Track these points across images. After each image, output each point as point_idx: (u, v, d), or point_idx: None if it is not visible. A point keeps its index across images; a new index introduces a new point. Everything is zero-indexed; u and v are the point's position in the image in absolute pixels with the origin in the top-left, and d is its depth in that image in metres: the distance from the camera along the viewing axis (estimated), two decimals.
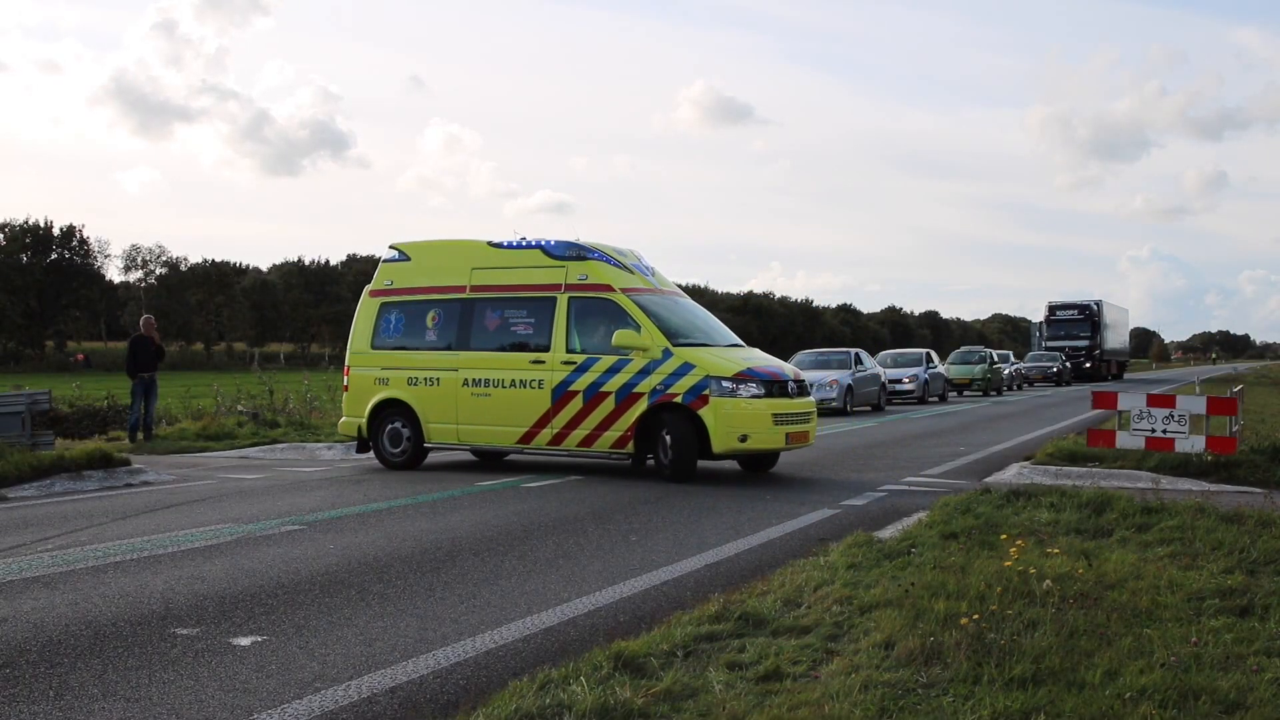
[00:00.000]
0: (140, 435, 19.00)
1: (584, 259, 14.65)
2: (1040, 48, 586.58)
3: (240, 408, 22.74)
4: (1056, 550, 8.06)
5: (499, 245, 15.28)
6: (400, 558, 8.61)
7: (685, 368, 13.61)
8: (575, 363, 14.20)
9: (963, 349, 49.75)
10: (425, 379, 15.10)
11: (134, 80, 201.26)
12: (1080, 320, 60.35)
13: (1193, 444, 13.97)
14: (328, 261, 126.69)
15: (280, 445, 18.26)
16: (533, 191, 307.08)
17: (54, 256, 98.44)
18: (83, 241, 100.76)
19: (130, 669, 5.69)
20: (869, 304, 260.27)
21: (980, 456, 17.14)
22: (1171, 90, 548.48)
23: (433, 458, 16.22)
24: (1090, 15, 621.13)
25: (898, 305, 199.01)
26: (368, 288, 15.92)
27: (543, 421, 14.32)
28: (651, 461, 14.19)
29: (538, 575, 8.04)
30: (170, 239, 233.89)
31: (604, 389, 13.95)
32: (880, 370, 32.67)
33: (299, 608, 7.00)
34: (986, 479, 13.63)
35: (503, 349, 14.84)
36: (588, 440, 14.12)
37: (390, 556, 8.65)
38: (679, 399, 13.51)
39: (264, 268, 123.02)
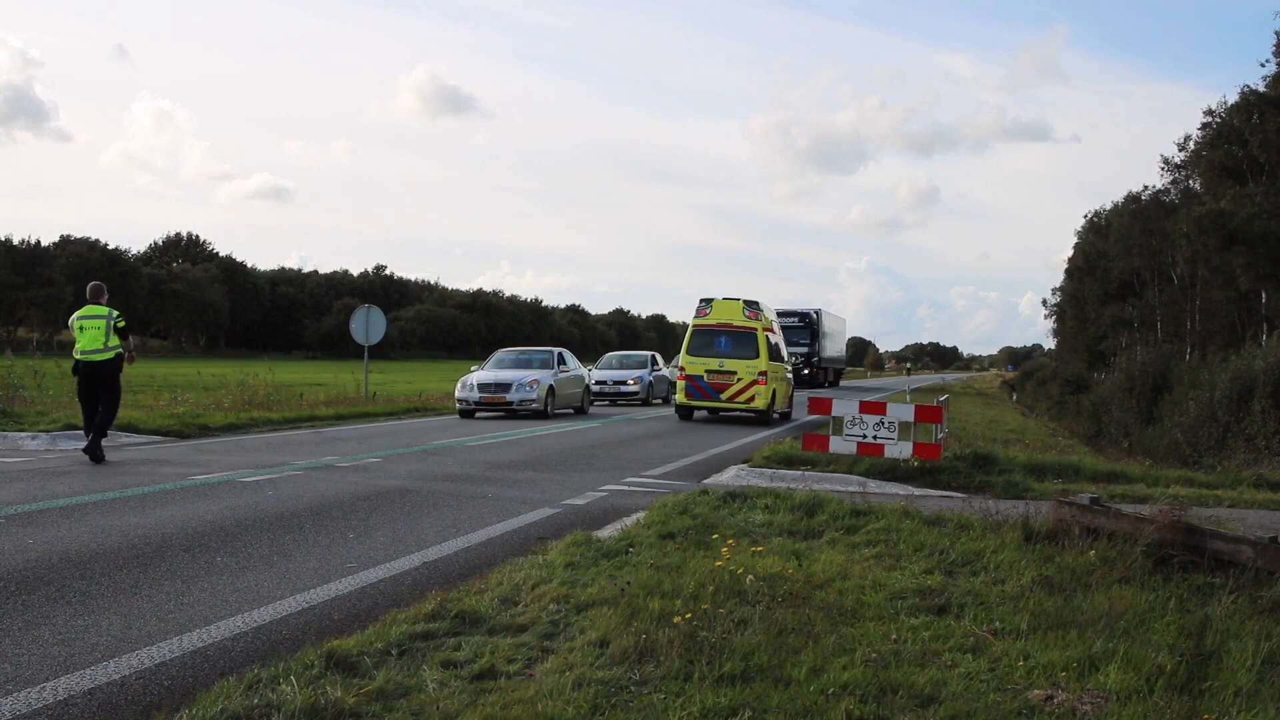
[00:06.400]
0: None
1: (761, 314, 27.36)
2: (766, 61, 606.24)
3: None
4: (768, 550, 8.43)
5: (735, 300, 27.23)
6: (105, 553, 8.27)
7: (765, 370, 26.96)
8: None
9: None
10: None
11: None
12: (800, 328, 62.56)
13: (901, 450, 14.70)
14: (39, 242, 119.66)
15: None
16: (249, 174, 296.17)
17: None
18: None
19: None
20: (597, 305, 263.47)
21: (700, 458, 17.58)
22: (891, 105, 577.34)
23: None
24: (817, 32, 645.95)
25: (625, 308, 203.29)
26: (759, 323, 26.71)
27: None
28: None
29: (250, 572, 7.89)
30: None
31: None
32: (584, 371, 31.94)
33: None
34: (705, 480, 14.00)
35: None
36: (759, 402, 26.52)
37: (94, 552, 8.29)
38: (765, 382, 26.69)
39: None
